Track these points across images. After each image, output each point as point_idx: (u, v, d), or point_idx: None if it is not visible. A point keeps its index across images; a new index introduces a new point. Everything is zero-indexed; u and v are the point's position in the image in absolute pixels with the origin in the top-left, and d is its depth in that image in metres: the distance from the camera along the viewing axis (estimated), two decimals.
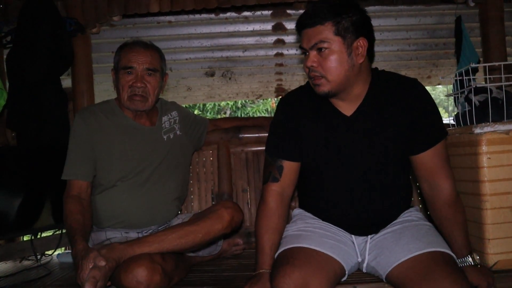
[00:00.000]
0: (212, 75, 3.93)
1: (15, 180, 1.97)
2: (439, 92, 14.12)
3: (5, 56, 2.58)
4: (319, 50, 1.35)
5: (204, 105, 10.62)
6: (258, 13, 3.35)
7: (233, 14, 3.33)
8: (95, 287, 1.28)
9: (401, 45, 3.69)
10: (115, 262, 1.36)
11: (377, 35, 1.50)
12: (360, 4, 1.39)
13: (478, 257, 1.42)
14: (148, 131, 1.79)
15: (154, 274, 1.35)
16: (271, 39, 3.56)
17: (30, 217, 2.00)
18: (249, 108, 11.14)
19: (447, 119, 2.02)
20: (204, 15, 3.32)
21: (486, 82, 1.72)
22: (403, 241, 1.38)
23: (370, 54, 1.42)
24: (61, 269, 1.93)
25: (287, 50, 3.68)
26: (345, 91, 1.41)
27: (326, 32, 1.33)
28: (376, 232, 1.50)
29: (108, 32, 3.35)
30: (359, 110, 1.44)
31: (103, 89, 3.87)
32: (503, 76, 1.67)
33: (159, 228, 1.75)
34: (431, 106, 1.43)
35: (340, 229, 1.51)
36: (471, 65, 1.71)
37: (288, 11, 3.35)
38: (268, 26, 3.44)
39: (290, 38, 3.55)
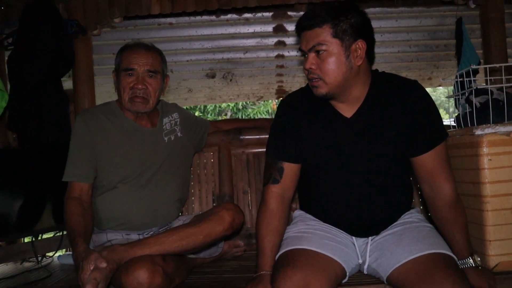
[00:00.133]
0: (213, 76, 3.94)
1: (16, 182, 1.97)
2: (440, 94, 14.12)
3: (6, 58, 2.59)
4: (317, 52, 1.35)
5: (205, 106, 10.62)
6: (259, 14, 3.36)
7: (234, 16, 3.34)
8: None
9: (401, 47, 3.70)
10: (116, 264, 1.36)
11: (377, 37, 1.50)
12: (360, 6, 1.40)
13: (479, 259, 1.42)
14: (149, 133, 1.79)
15: (155, 276, 1.35)
16: (272, 40, 3.57)
17: (31, 219, 2.00)
18: (250, 110, 11.13)
19: (447, 121, 2.02)
20: (205, 17, 3.32)
21: (486, 84, 1.72)
22: (404, 242, 1.38)
23: (370, 56, 1.42)
24: (62, 270, 1.93)
25: (288, 51, 3.69)
26: (344, 93, 1.41)
27: (324, 35, 1.34)
28: (377, 233, 1.50)
29: (109, 34, 3.36)
30: (359, 112, 1.44)
31: (104, 91, 3.88)
32: (503, 77, 1.67)
33: (160, 230, 1.75)
34: (431, 108, 1.43)
35: (340, 230, 1.51)
36: (471, 66, 1.71)
37: (289, 13, 3.35)
38: (269, 28, 3.45)
39: (291, 40, 3.55)
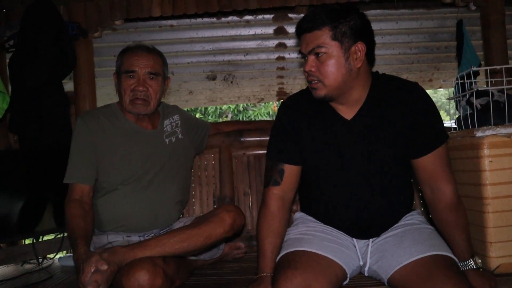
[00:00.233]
0: (214, 78, 3.94)
1: (17, 183, 1.98)
2: (441, 95, 14.11)
3: (7, 60, 2.60)
4: (317, 55, 1.36)
5: (205, 108, 10.63)
6: (260, 17, 3.36)
7: (235, 18, 3.34)
8: None
9: (402, 49, 3.70)
10: (116, 266, 1.36)
11: (378, 39, 1.50)
12: (361, 8, 1.40)
13: (480, 261, 1.42)
14: (150, 135, 1.80)
15: (156, 278, 1.35)
16: (273, 42, 3.57)
17: (32, 221, 2.01)
18: (250, 112, 11.14)
19: (448, 122, 2.02)
20: (206, 19, 3.33)
21: (487, 86, 1.72)
22: (404, 244, 1.38)
23: (370, 58, 1.42)
24: (63, 272, 1.93)
25: (289, 53, 3.69)
26: (344, 95, 1.41)
27: (324, 37, 1.34)
28: (378, 235, 1.50)
29: (110, 36, 3.36)
30: (359, 114, 1.44)
31: (105, 93, 3.88)
32: (504, 79, 1.67)
33: (161, 231, 1.75)
34: (431, 110, 1.43)
35: (341, 232, 1.51)
36: (472, 68, 1.71)
37: (290, 15, 3.36)
38: (270, 30, 3.45)
39: (291, 42, 3.56)
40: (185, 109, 2.08)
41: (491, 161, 1.52)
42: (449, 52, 3.66)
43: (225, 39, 3.49)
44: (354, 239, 1.51)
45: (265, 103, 10.43)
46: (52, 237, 2.19)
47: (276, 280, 1.28)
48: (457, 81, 1.89)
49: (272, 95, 4.51)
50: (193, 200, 2.21)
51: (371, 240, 1.50)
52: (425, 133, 1.41)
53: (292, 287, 1.23)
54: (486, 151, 1.53)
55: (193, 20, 3.33)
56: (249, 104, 10.71)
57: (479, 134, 1.56)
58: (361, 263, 1.48)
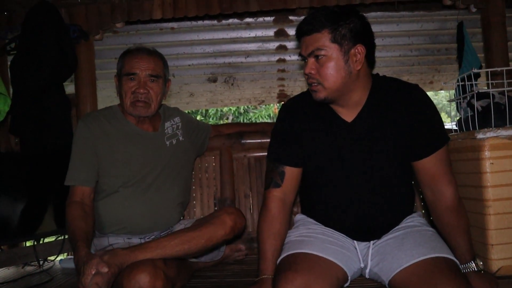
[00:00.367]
0: (215, 81, 3.95)
1: (18, 186, 1.98)
2: (442, 97, 14.11)
3: (9, 63, 2.61)
4: (317, 57, 1.36)
5: (206, 110, 10.64)
6: (260, 19, 3.37)
7: (236, 21, 3.35)
8: None
9: (403, 51, 3.70)
10: (117, 268, 1.36)
11: (379, 41, 1.51)
12: (361, 10, 1.40)
13: (481, 263, 1.42)
14: (151, 137, 1.80)
15: (157, 280, 1.34)
16: (273, 45, 3.58)
17: (32, 223, 2.01)
18: (251, 114, 11.16)
19: (449, 124, 2.02)
20: (207, 22, 3.33)
21: (488, 87, 1.72)
22: (405, 246, 1.38)
23: (370, 61, 1.42)
24: (64, 274, 1.93)
25: (289, 56, 3.70)
26: (344, 98, 1.41)
27: (323, 40, 1.34)
28: (379, 237, 1.49)
29: (111, 39, 3.37)
30: (360, 116, 1.44)
31: (106, 95, 3.89)
32: (505, 81, 1.67)
33: (162, 233, 1.74)
34: (432, 112, 1.43)
35: (342, 234, 1.51)
36: (473, 70, 1.71)
37: (290, 17, 3.36)
38: (270, 32, 3.46)
39: (292, 44, 3.56)
40: (186, 111, 2.08)
41: (492, 163, 1.52)
42: (450, 54, 3.66)
43: (225, 41, 3.50)
44: (355, 241, 1.51)
45: (265, 105, 10.44)
46: (53, 239, 2.20)
47: (277, 282, 1.27)
48: (457, 83, 1.90)
49: (273, 97, 4.51)
50: (194, 202, 2.21)
51: (372, 242, 1.49)
52: (425, 135, 1.41)
53: None
54: (487, 153, 1.53)
55: (194, 23, 3.34)
56: (249, 106, 10.73)
57: (480, 136, 1.56)
58: (362, 265, 1.48)
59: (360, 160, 1.44)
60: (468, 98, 1.80)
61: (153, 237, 1.73)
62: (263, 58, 3.70)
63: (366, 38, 1.38)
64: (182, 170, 1.85)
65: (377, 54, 1.46)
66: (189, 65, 3.71)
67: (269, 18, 3.37)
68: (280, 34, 3.46)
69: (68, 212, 1.60)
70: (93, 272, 1.30)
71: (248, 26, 3.40)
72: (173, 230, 1.75)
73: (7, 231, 1.90)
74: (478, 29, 3.16)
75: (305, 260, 1.33)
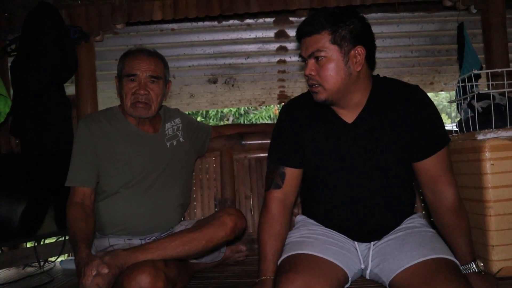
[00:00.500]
0: (215, 82, 3.95)
1: (19, 187, 1.98)
2: (442, 98, 14.12)
3: (9, 64, 2.61)
4: (317, 58, 1.36)
5: (207, 112, 10.65)
6: (261, 20, 3.37)
7: (236, 22, 3.35)
8: None
9: (403, 52, 3.71)
10: (118, 269, 1.36)
11: (379, 42, 1.51)
12: (361, 11, 1.40)
13: (482, 264, 1.41)
14: (151, 138, 1.80)
15: (157, 281, 1.34)
16: (274, 46, 3.58)
17: (33, 224, 2.01)
18: (251, 115, 11.16)
19: (450, 125, 2.02)
20: (207, 23, 3.34)
21: (488, 88, 1.73)
22: (406, 247, 1.38)
23: (371, 62, 1.42)
24: (64, 275, 1.93)
25: (290, 57, 3.70)
26: (344, 99, 1.41)
27: (323, 41, 1.34)
28: (379, 238, 1.49)
29: (111, 40, 3.38)
30: (360, 117, 1.44)
31: (107, 96, 3.90)
32: (505, 82, 1.67)
33: (162, 234, 1.74)
34: (433, 113, 1.43)
35: (343, 235, 1.51)
36: (473, 71, 1.71)
37: (291, 18, 3.37)
38: (271, 33, 3.46)
39: (292, 45, 3.56)
40: (187, 113, 2.08)
41: (493, 164, 1.52)
42: (450, 55, 3.67)
43: (226, 42, 3.50)
44: (356, 242, 1.51)
45: (266, 106, 10.44)
46: (54, 240, 2.20)
47: (278, 283, 1.27)
48: (458, 84, 1.89)
49: (273, 98, 4.51)
50: (194, 203, 2.21)
51: (372, 243, 1.49)
52: (426, 136, 1.41)
53: None
54: (487, 154, 1.53)
55: (194, 24, 3.34)
56: (250, 107, 10.73)
57: (480, 137, 1.56)
58: (363, 266, 1.48)
59: (360, 161, 1.44)
60: (469, 99, 1.80)
61: (153, 238, 1.73)
62: (264, 59, 3.71)
63: (366, 39, 1.38)
64: (182, 171, 1.85)
65: (377, 55, 1.46)
66: (189, 66, 3.71)
67: (269, 19, 3.38)
68: (281, 35, 3.47)
69: (69, 213, 1.60)
70: (93, 273, 1.30)
71: (249, 27, 3.41)
72: (174, 231, 1.75)
73: (7, 232, 1.90)
74: (478, 30, 3.16)
75: (305, 261, 1.33)
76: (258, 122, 10.39)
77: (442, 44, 3.62)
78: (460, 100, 1.86)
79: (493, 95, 1.71)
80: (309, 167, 1.50)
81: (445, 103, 13.56)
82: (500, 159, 1.52)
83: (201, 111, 10.34)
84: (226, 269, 1.88)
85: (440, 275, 1.23)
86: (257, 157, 2.25)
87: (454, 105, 2.04)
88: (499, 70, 1.76)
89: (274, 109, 10.48)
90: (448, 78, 4.08)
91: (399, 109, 1.42)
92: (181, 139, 1.88)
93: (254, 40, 3.50)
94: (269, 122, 10.50)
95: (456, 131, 1.85)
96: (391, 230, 1.50)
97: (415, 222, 1.52)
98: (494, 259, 1.50)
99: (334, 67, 1.35)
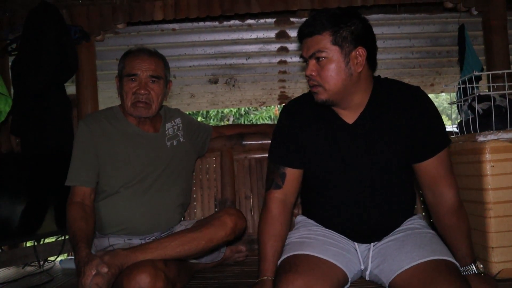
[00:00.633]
0: (216, 82, 3.95)
1: (19, 186, 1.98)
2: (443, 100, 14.12)
3: (10, 63, 2.61)
4: (317, 59, 1.36)
5: (207, 112, 10.65)
6: (262, 21, 3.38)
7: (237, 22, 3.36)
8: None
9: (404, 53, 3.71)
10: (118, 269, 1.36)
11: (380, 43, 1.51)
12: (362, 12, 1.40)
13: (482, 266, 1.41)
14: (151, 138, 1.80)
15: (157, 281, 1.34)
16: (275, 46, 3.58)
17: (33, 223, 2.01)
18: (252, 115, 11.17)
19: (450, 127, 2.02)
20: (208, 23, 3.34)
21: (489, 90, 1.73)
22: (406, 249, 1.37)
23: (372, 63, 1.42)
24: (64, 275, 1.93)
25: (291, 57, 3.70)
26: (345, 100, 1.41)
27: (324, 42, 1.34)
28: (379, 239, 1.49)
29: (112, 40, 3.38)
30: (361, 118, 1.44)
31: (107, 96, 3.90)
32: (506, 84, 1.67)
33: (162, 234, 1.74)
34: (434, 114, 1.43)
35: (343, 236, 1.51)
36: (474, 73, 1.71)
37: (292, 19, 3.37)
38: (272, 34, 3.46)
39: (293, 46, 3.57)
40: (187, 113, 2.08)
41: (493, 166, 1.52)
42: (451, 56, 3.67)
43: (227, 42, 3.50)
44: (356, 243, 1.51)
45: (266, 106, 10.45)
46: (54, 239, 2.20)
47: (278, 283, 1.27)
48: (459, 86, 1.89)
49: (274, 99, 4.52)
50: (195, 203, 2.21)
51: (372, 244, 1.49)
52: (427, 137, 1.41)
53: None
54: (487, 156, 1.53)
55: (195, 24, 3.35)
56: (250, 107, 10.73)
57: (480, 139, 1.56)
58: (363, 267, 1.48)
59: (361, 162, 1.44)
60: (469, 100, 1.80)
61: (153, 238, 1.73)
62: (264, 60, 3.71)
63: (367, 40, 1.38)
64: (182, 171, 1.85)
65: (378, 56, 1.46)
66: (190, 66, 3.71)
67: (270, 20, 3.38)
68: (281, 36, 3.47)
69: (69, 213, 1.60)
70: (93, 273, 1.30)
71: (250, 28, 3.41)
72: (174, 231, 1.75)
73: (7, 231, 1.90)
74: (479, 32, 3.17)
75: (305, 262, 1.33)
76: (258, 123, 10.39)
77: (443, 46, 3.63)
78: (461, 101, 1.86)
79: (493, 97, 1.71)
80: (310, 167, 1.50)
81: (446, 105, 13.56)
82: (500, 161, 1.52)
83: (201, 111, 10.35)
84: (226, 269, 1.88)
85: (440, 276, 1.23)
86: (257, 158, 2.25)
87: (454, 106, 2.04)
88: (500, 72, 1.77)
89: (275, 110, 10.48)
90: (448, 80, 4.08)
91: (400, 110, 1.42)
92: (181, 139, 1.88)
93: (255, 40, 3.50)
94: (270, 122, 10.50)
95: (456, 133, 1.85)
96: (391, 231, 1.50)
97: (415, 223, 1.52)
98: (494, 260, 1.50)
99: (335, 67, 1.35)
